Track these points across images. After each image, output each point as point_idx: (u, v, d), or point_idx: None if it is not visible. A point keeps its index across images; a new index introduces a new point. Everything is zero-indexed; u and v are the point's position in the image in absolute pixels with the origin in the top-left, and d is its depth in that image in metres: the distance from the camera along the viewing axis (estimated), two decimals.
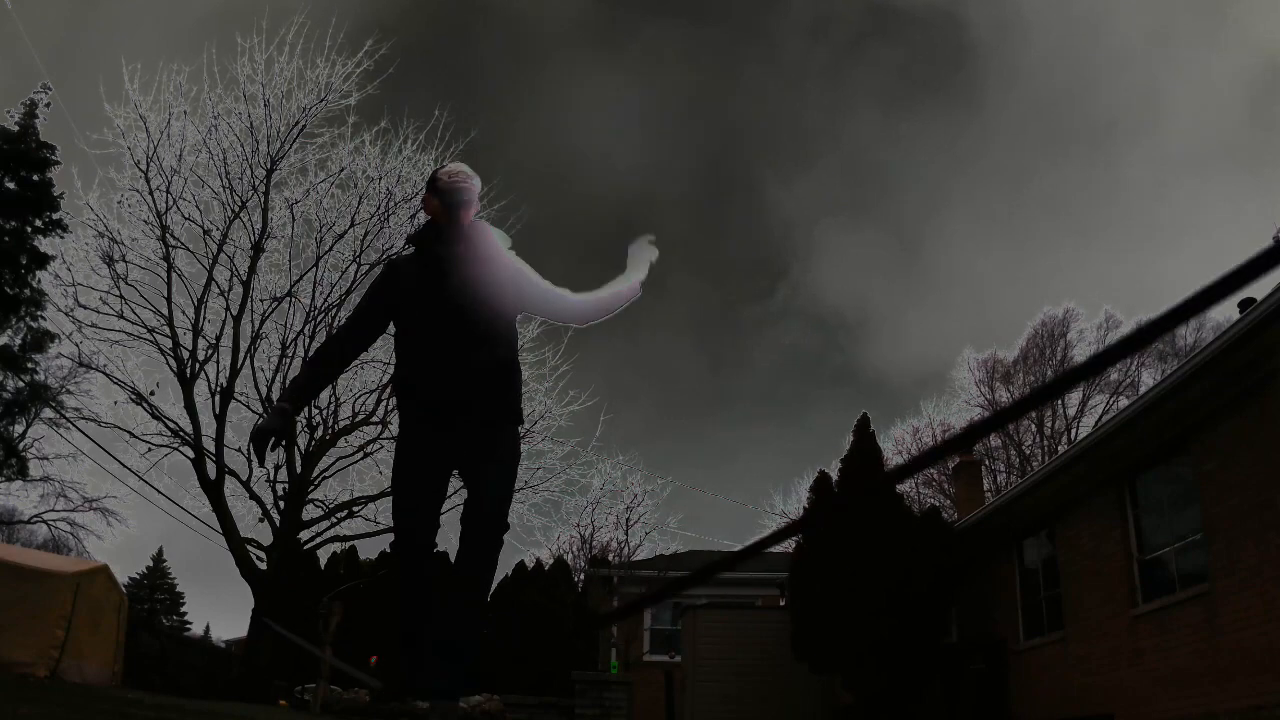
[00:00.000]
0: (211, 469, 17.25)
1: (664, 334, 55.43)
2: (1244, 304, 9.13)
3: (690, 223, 51.47)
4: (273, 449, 3.04)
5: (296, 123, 17.87)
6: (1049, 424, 33.62)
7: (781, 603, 16.64)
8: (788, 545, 14.88)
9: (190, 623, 49.64)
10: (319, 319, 18.26)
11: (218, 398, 17.51)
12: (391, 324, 3.30)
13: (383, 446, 18.57)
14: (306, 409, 18.52)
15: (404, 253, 3.35)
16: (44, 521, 27.56)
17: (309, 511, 18.39)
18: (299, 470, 18.14)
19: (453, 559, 3.17)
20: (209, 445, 17.33)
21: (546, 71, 43.02)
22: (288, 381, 18.23)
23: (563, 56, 44.19)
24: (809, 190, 52.48)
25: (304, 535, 18.32)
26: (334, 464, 18.76)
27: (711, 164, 49.60)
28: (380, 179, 18.30)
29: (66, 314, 17.33)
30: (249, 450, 3.28)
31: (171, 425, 17.39)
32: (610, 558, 23.47)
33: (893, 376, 57.18)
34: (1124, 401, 27.22)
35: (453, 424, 3.06)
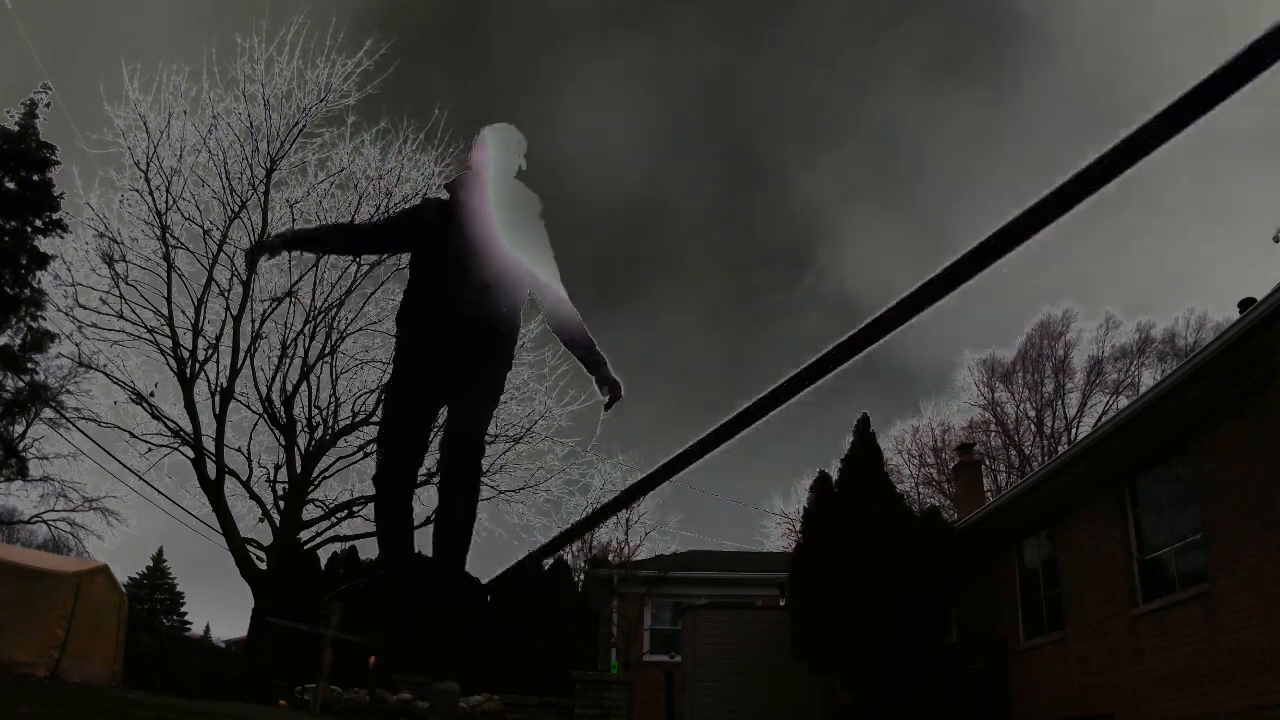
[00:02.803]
0: (211, 469, 17.25)
1: (673, 328, 54.75)
2: (1244, 304, 9.15)
3: (712, 208, 50.69)
4: (255, 259, 3.47)
5: (296, 123, 17.89)
6: (1049, 424, 33.65)
7: (781, 603, 16.63)
8: (788, 545, 14.86)
9: (190, 623, 49.68)
10: (319, 319, 18.28)
11: (218, 398, 17.51)
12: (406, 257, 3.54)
13: None
14: (305, 404, 18.54)
15: (437, 194, 3.50)
16: (44, 521, 27.58)
17: (309, 511, 18.40)
18: (299, 470, 18.15)
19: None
20: (209, 445, 17.33)
21: (555, 55, 42.63)
22: (286, 381, 18.24)
23: (576, 37, 43.63)
24: (837, 173, 51.38)
25: (304, 535, 18.33)
26: (334, 464, 18.77)
27: (735, 146, 48.94)
28: (380, 179, 18.33)
29: (66, 314, 17.35)
30: (245, 260, 3.45)
31: (171, 425, 17.40)
32: (610, 558, 23.47)
33: (916, 369, 56.44)
34: (1124, 401, 27.23)
35: (441, 362, 3.17)
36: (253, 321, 17.92)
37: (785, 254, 54.55)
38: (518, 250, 3.22)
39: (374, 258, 18.25)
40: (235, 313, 17.70)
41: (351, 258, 18.02)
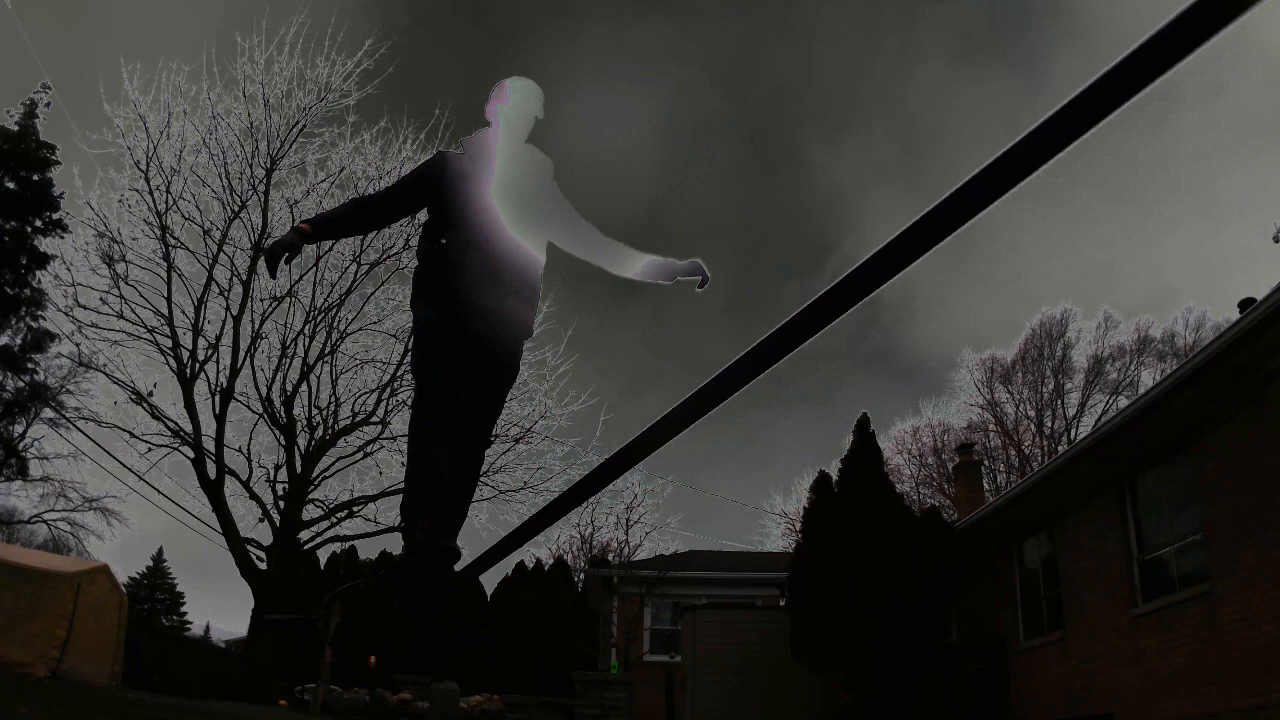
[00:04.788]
0: (211, 469, 17.26)
1: (682, 322, 54.32)
2: (1244, 304, 9.15)
3: (730, 194, 50.21)
4: (286, 263, 3.02)
5: (296, 122, 17.91)
6: (1049, 424, 33.65)
7: (781, 603, 16.62)
8: (788, 545, 14.84)
9: (190, 623, 49.62)
10: (319, 319, 18.28)
11: (218, 397, 17.53)
12: (427, 209, 3.24)
13: (383, 446, 18.58)
14: (305, 404, 18.53)
15: (455, 150, 3.38)
16: (44, 521, 27.59)
17: (309, 511, 18.42)
18: (299, 470, 18.15)
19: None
20: (209, 445, 17.34)
21: (561, 42, 42.24)
22: (286, 381, 18.23)
23: (587, 18, 43.20)
24: (860, 156, 50.69)
25: (304, 535, 18.34)
26: (334, 464, 18.79)
27: (753, 128, 48.41)
28: (380, 179, 18.34)
29: (66, 314, 17.39)
30: (265, 262, 3.19)
31: (171, 425, 17.42)
32: (610, 558, 23.45)
33: (928, 363, 56.01)
34: (1124, 401, 27.23)
35: (480, 319, 2.97)
36: (253, 321, 17.94)
37: (805, 240, 54.12)
38: (538, 220, 3.16)
39: (375, 258, 18.26)
40: (235, 313, 17.73)
41: (353, 257, 18.04)
